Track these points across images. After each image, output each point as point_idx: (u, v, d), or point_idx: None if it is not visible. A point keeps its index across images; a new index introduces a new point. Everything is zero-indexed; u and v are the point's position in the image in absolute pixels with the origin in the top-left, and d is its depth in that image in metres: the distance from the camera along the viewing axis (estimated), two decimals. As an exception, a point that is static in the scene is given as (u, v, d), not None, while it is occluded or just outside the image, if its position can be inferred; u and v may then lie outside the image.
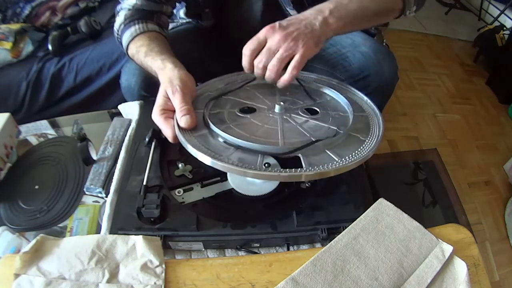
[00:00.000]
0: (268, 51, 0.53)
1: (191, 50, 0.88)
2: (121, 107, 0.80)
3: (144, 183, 0.57)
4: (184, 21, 0.93)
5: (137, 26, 0.69)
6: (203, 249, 0.56)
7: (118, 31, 0.71)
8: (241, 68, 0.74)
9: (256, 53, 0.55)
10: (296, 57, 0.54)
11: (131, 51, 0.69)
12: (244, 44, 0.89)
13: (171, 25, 0.91)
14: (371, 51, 0.78)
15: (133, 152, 0.65)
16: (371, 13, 0.61)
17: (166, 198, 0.56)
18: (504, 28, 2.03)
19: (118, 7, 0.73)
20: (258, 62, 0.55)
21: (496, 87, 1.92)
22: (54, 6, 1.31)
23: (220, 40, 0.90)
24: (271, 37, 0.53)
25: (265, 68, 0.55)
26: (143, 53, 0.65)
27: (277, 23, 0.54)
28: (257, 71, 0.56)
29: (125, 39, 0.70)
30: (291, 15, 0.78)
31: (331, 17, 0.56)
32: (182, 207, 0.56)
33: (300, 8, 0.77)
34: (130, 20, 0.69)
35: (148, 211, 0.53)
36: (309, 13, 0.56)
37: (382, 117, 0.59)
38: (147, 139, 0.64)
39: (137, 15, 0.70)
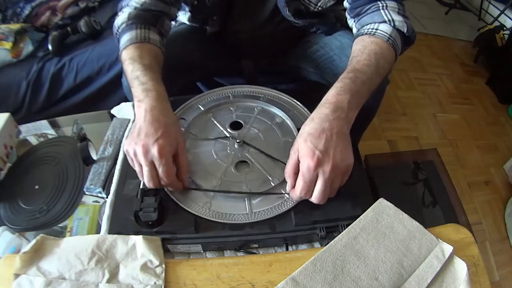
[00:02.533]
0: (326, 185, 0.50)
1: (191, 50, 0.87)
2: (115, 111, 0.78)
3: (141, 186, 0.56)
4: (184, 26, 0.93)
5: (138, 31, 0.66)
6: (202, 251, 0.56)
7: (118, 28, 0.69)
8: (239, 69, 0.73)
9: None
10: (340, 184, 0.53)
11: (124, 56, 0.65)
12: (245, 47, 0.90)
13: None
14: None
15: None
16: (374, 87, 0.60)
17: (164, 201, 0.56)
18: (504, 28, 2.03)
19: (124, 3, 0.70)
20: (321, 200, 0.52)
21: (496, 87, 1.92)
22: (54, 6, 1.31)
23: (221, 42, 0.90)
24: (321, 170, 0.50)
25: (310, 192, 0.52)
26: (130, 70, 0.62)
27: (317, 151, 0.49)
28: (303, 193, 0.52)
29: (123, 41, 0.66)
30: (295, 21, 0.78)
31: (350, 112, 0.54)
32: (180, 209, 0.55)
33: (300, 17, 0.77)
34: (133, 21, 0.67)
35: (145, 214, 0.53)
36: (330, 114, 0.53)
37: None
38: None
39: (142, 18, 0.68)
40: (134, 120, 0.57)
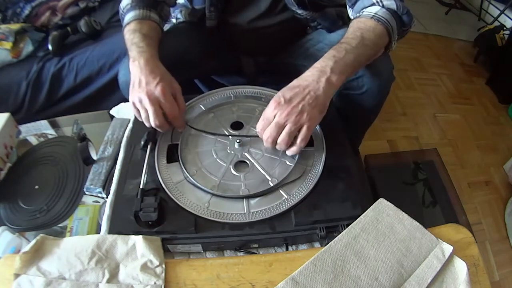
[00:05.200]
0: (277, 125, 0.56)
1: (190, 47, 0.88)
2: (114, 111, 0.78)
3: (141, 186, 0.57)
4: (182, 24, 0.93)
5: (141, 11, 0.74)
6: (202, 251, 0.56)
7: (124, 9, 0.76)
8: (239, 68, 0.72)
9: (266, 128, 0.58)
10: (303, 130, 0.56)
11: (126, 30, 0.73)
12: (244, 42, 0.90)
13: (168, 26, 0.91)
14: None
15: (130, 155, 0.64)
16: (365, 59, 0.64)
17: (164, 201, 0.56)
18: (504, 28, 2.03)
19: None
20: (268, 137, 0.57)
21: (496, 87, 1.91)
22: (54, 6, 1.31)
23: (219, 39, 0.90)
24: (278, 112, 0.56)
25: (274, 141, 0.58)
26: (131, 38, 0.69)
27: (282, 98, 0.56)
28: (267, 144, 0.59)
29: (127, 18, 0.74)
30: (298, 12, 0.79)
31: (333, 75, 0.58)
32: (180, 209, 0.55)
33: (304, 7, 0.77)
34: (136, 4, 0.74)
35: (145, 214, 0.53)
36: (311, 76, 0.58)
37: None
38: (142, 142, 0.64)
39: (144, 2, 0.75)
40: (131, 78, 0.64)
